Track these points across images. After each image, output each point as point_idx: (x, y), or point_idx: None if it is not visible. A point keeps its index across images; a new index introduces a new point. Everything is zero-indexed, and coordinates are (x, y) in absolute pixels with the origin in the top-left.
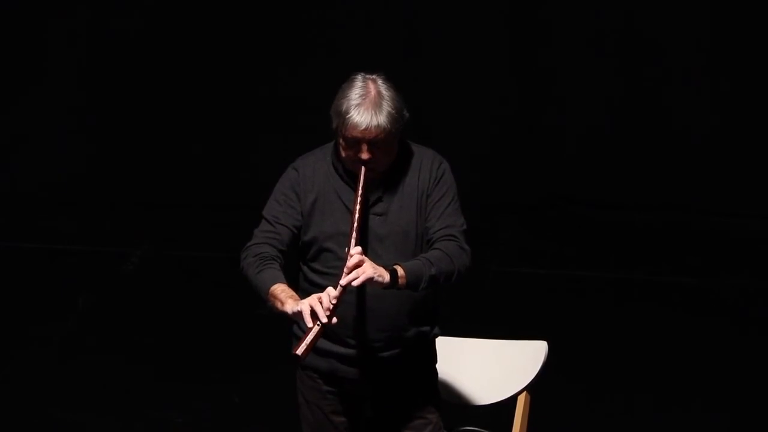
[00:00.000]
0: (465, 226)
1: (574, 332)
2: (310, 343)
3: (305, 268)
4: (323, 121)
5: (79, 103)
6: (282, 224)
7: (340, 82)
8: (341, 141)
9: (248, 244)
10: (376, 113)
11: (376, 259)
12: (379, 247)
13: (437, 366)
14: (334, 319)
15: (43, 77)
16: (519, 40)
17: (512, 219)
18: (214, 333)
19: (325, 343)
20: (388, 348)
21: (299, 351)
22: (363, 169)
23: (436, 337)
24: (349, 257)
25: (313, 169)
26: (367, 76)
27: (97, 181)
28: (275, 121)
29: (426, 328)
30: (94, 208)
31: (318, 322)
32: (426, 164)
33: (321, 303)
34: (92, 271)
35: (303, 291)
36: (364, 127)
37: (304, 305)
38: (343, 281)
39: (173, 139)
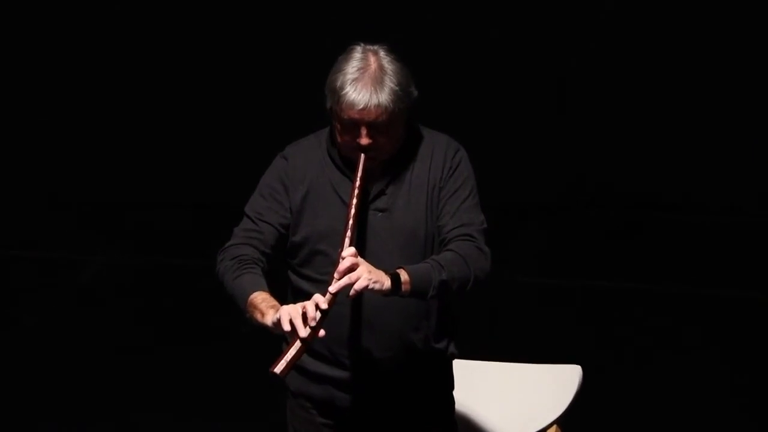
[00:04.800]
0: (485, 225)
1: (612, 354)
2: (291, 359)
3: (294, 276)
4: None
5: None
6: (266, 222)
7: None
8: (337, 124)
9: (226, 244)
10: (376, 90)
11: (377, 264)
12: (380, 249)
13: (453, 393)
14: (322, 332)
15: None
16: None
17: (537, 220)
18: (187, 358)
19: (319, 366)
20: (394, 370)
21: (277, 369)
22: (362, 157)
23: (453, 357)
24: (340, 260)
25: (304, 158)
26: (368, 46)
27: (43, 178)
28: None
29: (440, 346)
30: (40, 208)
31: (299, 336)
32: (439, 152)
33: (304, 312)
34: (39, 283)
35: (293, 302)
36: (362, 106)
37: (283, 312)
38: (332, 288)
39: (139, 129)
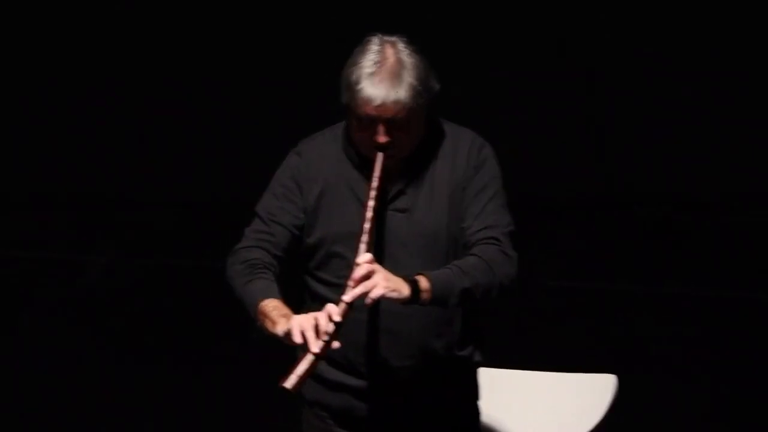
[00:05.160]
0: (511, 227)
1: (649, 363)
2: (302, 374)
3: (310, 280)
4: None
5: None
6: (278, 223)
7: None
8: (353, 120)
9: (236, 247)
10: (394, 85)
11: (397, 268)
12: (400, 252)
13: (479, 403)
14: (336, 344)
15: None
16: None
17: (566, 221)
18: (193, 363)
19: (336, 374)
20: (415, 379)
21: (287, 384)
22: (380, 155)
23: (479, 366)
24: (355, 266)
25: (319, 154)
26: (385, 38)
27: (47, 178)
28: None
29: (464, 354)
30: (42, 208)
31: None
32: (462, 149)
33: (317, 324)
34: (40, 284)
35: (309, 309)
36: (379, 102)
37: (295, 323)
38: (346, 297)
39: (142, 127)
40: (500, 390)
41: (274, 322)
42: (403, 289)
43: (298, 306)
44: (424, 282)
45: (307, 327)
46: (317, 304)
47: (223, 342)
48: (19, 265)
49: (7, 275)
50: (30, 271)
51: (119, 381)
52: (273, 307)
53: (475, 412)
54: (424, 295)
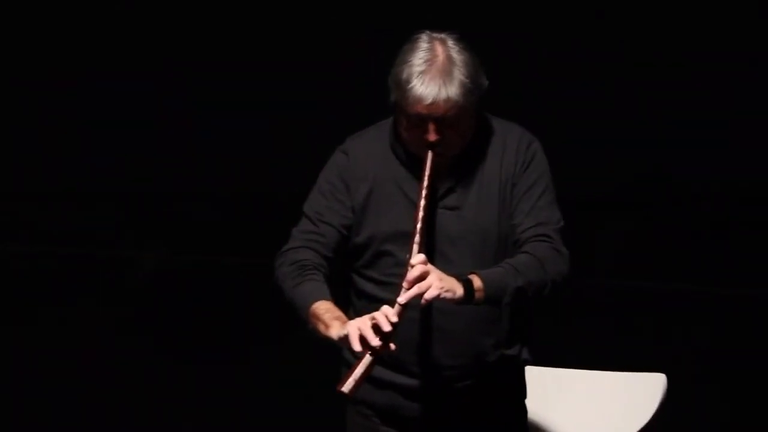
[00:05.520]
0: (561, 223)
1: (699, 363)
2: (359, 377)
3: (358, 278)
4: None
5: None
6: (327, 223)
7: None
8: (402, 119)
9: (284, 248)
10: (445, 83)
11: (447, 266)
12: (450, 250)
13: (526, 402)
14: (392, 346)
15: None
16: None
17: (615, 217)
18: (238, 361)
19: (383, 372)
20: (464, 378)
21: (345, 388)
22: (430, 153)
23: (526, 364)
24: (409, 267)
25: (366, 153)
26: (434, 35)
27: (93, 169)
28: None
29: (512, 352)
30: (92, 201)
31: (369, 352)
32: (511, 145)
33: (374, 325)
34: (91, 280)
35: (356, 307)
36: (430, 101)
37: (352, 328)
38: (401, 299)
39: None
40: (548, 389)
41: (327, 325)
42: (457, 289)
43: (344, 305)
44: (477, 281)
45: (365, 327)
46: (364, 302)
47: (268, 339)
48: (67, 260)
49: (55, 271)
50: (78, 267)
51: (166, 378)
52: (325, 309)
53: (522, 411)
54: (478, 295)
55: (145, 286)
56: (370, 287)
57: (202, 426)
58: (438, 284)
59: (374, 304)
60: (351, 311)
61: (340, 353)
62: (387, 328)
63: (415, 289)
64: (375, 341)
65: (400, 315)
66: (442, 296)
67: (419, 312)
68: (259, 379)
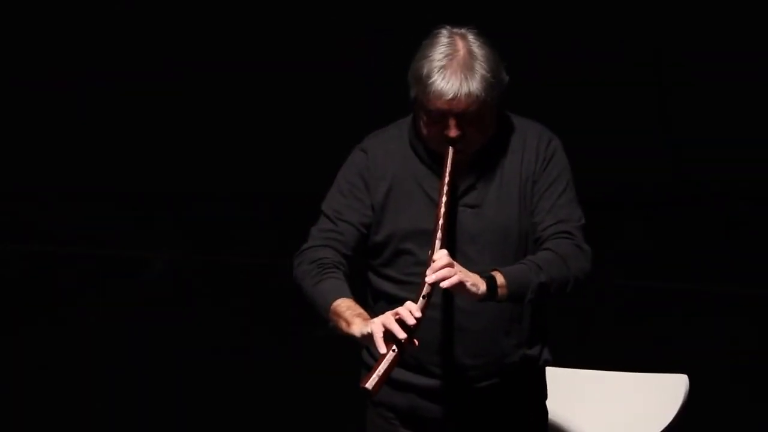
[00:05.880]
0: (583, 221)
1: (721, 363)
2: (383, 373)
3: (376, 278)
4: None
5: None
6: (346, 221)
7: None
8: (422, 115)
9: (303, 246)
10: (466, 78)
11: (467, 264)
12: (471, 248)
13: (547, 403)
14: (415, 342)
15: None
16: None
17: (635, 217)
18: (256, 363)
19: (403, 373)
20: (484, 378)
21: (369, 384)
22: (450, 150)
23: (547, 364)
24: (431, 262)
25: (385, 151)
26: (454, 30)
27: (107, 170)
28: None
29: (533, 352)
30: (103, 201)
31: (393, 348)
32: (531, 142)
33: (398, 320)
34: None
35: (373, 308)
36: (451, 96)
37: (375, 325)
38: (429, 278)
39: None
40: (569, 390)
41: (348, 323)
42: (480, 285)
43: (364, 305)
44: (500, 278)
45: (390, 322)
46: (383, 303)
47: (287, 340)
48: (82, 260)
49: (70, 271)
50: (93, 267)
51: (181, 377)
52: (346, 307)
53: (543, 412)
54: (501, 291)
55: (154, 287)
56: (388, 287)
57: (217, 428)
58: (462, 274)
59: (393, 305)
60: (369, 313)
61: (358, 355)
62: (411, 321)
63: (444, 272)
64: (401, 334)
65: (424, 309)
66: (467, 287)
67: (440, 312)
68: (276, 379)
